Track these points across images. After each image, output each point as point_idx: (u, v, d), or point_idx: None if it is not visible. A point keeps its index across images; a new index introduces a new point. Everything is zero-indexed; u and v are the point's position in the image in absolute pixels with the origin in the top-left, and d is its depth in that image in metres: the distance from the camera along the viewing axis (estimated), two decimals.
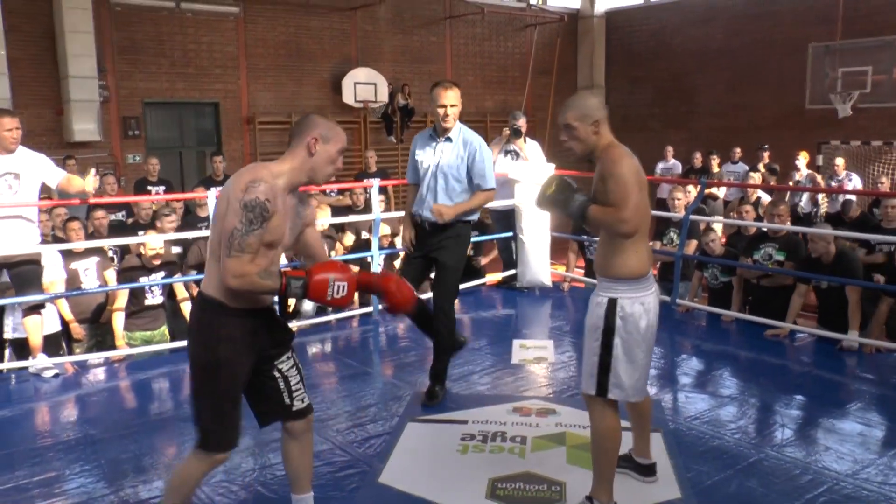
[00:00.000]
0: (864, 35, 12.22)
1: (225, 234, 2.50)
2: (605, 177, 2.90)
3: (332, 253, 6.90)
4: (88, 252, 6.05)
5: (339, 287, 2.60)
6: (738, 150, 12.05)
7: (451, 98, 4.37)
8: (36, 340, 5.18)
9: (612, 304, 2.95)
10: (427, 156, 4.51)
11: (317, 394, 4.77)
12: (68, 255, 5.94)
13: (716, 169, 11.87)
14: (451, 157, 4.43)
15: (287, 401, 2.86)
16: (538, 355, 5.36)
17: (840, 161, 10.33)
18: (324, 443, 3.91)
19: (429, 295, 4.98)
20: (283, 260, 5.11)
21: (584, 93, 3.23)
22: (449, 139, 4.47)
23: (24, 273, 5.06)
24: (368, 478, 3.54)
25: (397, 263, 6.94)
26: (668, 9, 16.11)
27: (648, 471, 3.44)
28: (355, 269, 2.80)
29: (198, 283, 6.07)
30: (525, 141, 7.26)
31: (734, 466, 3.62)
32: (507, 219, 7.22)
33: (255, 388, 2.82)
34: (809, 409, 4.53)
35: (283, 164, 2.64)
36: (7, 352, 5.71)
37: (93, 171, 5.28)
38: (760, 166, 11.21)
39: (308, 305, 6.86)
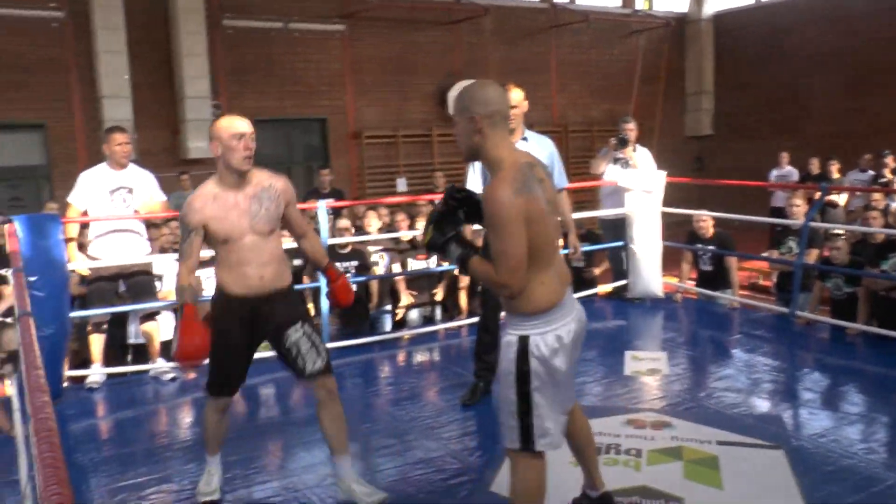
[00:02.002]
0: None
1: None
2: (485, 215, 2.42)
3: (432, 263, 6.92)
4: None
5: (173, 346, 3.13)
6: (867, 156, 11.45)
7: (510, 99, 4.29)
8: (154, 346, 5.42)
9: (524, 343, 2.50)
10: None
11: (426, 402, 4.78)
12: None
13: (836, 176, 11.31)
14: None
15: (300, 364, 3.29)
16: (651, 367, 5.21)
17: None
18: (436, 450, 3.90)
19: None
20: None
21: (482, 81, 2.57)
22: (525, 139, 4.39)
23: (139, 283, 5.35)
24: (480, 486, 3.49)
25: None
26: (780, 9, 15.56)
27: (604, 502, 3.04)
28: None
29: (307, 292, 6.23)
30: (634, 149, 7.10)
31: (868, 489, 3.38)
32: (618, 228, 7.07)
33: (280, 354, 3.36)
34: None
35: (213, 177, 3.24)
36: (129, 357, 5.98)
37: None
38: (887, 172, 10.61)
39: (414, 314, 6.92)
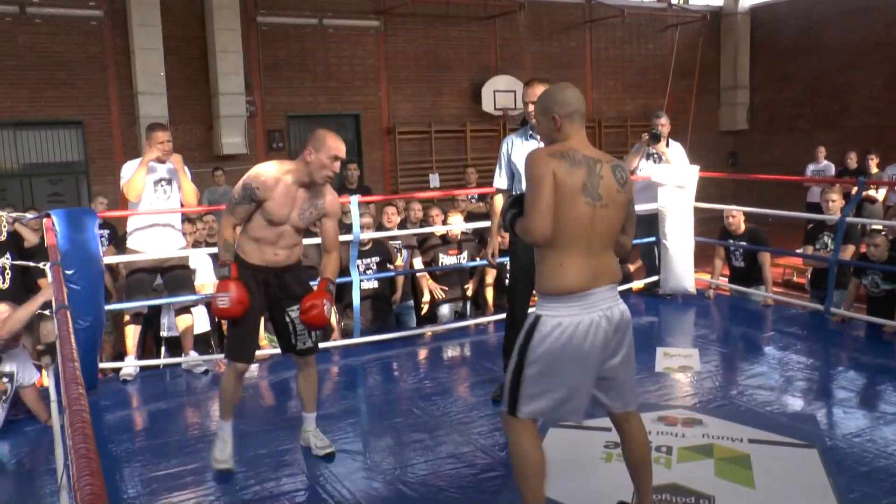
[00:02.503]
0: None
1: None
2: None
3: (463, 259, 6.92)
4: None
5: (221, 298, 3.47)
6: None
7: (531, 95, 4.32)
8: (188, 339, 5.49)
9: (536, 320, 2.68)
10: (522, 156, 4.39)
11: (456, 397, 4.79)
12: None
13: (874, 170, 11.06)
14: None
15: (293, 340, 3.76)
16: (683, 364, 5.17)
17: None
18: (466, 444, 3.91)
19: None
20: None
21: (562, 84, 2.90)
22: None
23: (177, 276, 5.42)
24: (510, 482, 3.49)
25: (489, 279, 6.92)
26: (818, 1, 15.29)
27: None
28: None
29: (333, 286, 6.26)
30: (668, 144, 7.04)
31: None
32: (650, 223, 7.00)
33: (275, 326, 3.81)
34: None
35: (292, 165, 3.56)
36: (162, 349, 6.07)
37: None
38: None
39: (445, 309, 6.92)
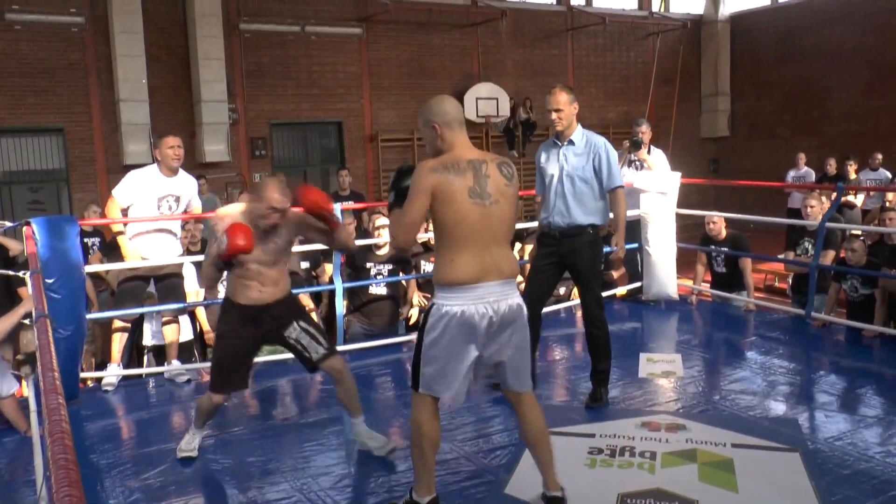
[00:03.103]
0: None
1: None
2: None
3: None
4: None
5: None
6: (879, 155, 11.33)
7: (553, 102, 4.42)
8: (173, 348, 5.45)
9: (430, 307, 3.04)
10: (552, 162, 4.55)
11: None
12: None
13: (852, 176, 11.19)
14: (575, 160, 4.46)
15: (307, 354, 3.86)
16: (666, 369, 5.19)
17: None
18: (450, 452, 3.90)
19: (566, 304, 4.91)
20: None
21: (440, 97, 3.22)
22: (572, 142, 4.50)
23: (171, 284, 5.38)
24: (494, 488, 3.50)
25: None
26: (797, 9, 15.46)
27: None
28: None
29: (329, 293, 6.26)
30: (649, 151, 7.08)
31: (886, 493, 3.34)
32: (633, 230, 7.01)
33: (291, 352, 3.94)
34: None
35: (248, 204, 3.81)
36: (146, 357, 6.02)
37: None
38: None
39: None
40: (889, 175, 10.78)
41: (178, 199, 5.27)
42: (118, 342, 5.34)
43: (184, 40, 11.70)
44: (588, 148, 4.47)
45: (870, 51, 13.92)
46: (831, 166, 11.71)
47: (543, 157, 4.61)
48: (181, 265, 5.51)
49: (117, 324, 5.37)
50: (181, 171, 5.34)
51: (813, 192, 7.03)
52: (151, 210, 5.18)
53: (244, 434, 4.35)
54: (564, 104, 4.42)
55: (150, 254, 5.23)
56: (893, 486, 3.40)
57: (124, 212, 5.21)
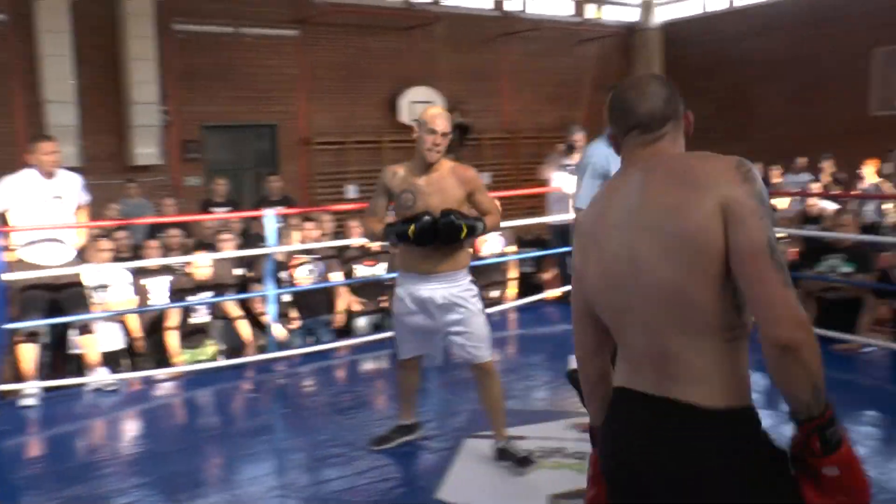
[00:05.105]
0: None
1: None
2: None
3: (380, 270, 6.90)
4: (163, 270, 6.20)
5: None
6: (800, 160, 11.70)
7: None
8: (92, 357, 5.31)
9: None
10: (614, 168, 4.10)
11: (373, 410, 4.76)
12: (141, 272, 6.14)
13: (776, 180, 11.55)
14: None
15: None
16: None
17: None
18: (381, 458, 3.87)
19: None
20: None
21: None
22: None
23: (73, 295, 5.19)
24: (426, 494, 3.48)
25: None
26: (727, 19, 15.85)
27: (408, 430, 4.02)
28: None
29: (241, 302, 6.15)
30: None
31: None
32: (565, 234, 7.12)
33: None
34: (885, 425, 4.33)
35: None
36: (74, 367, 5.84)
37: None
38: (823, 176, 10.87)
39: (362, 322, 6.86)
40: (810, 178, 11.13)
41: (60, 199, 5.06)
42: (28, 355, 5.08)
43: (114, 40, 11.39)
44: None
45: (795, 61, 14.34)
46: (759, 170, 12.06)
47: (605, 164, 3.87)
48: (78, 274, 5.28)
49: (20, 336, 5.11)
50: (61, 171, 5.14)
51: None
52: (34, 214, 4.98)
53: (173, 445, 4.25)
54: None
55: (41, 261, 5.04)
56: None
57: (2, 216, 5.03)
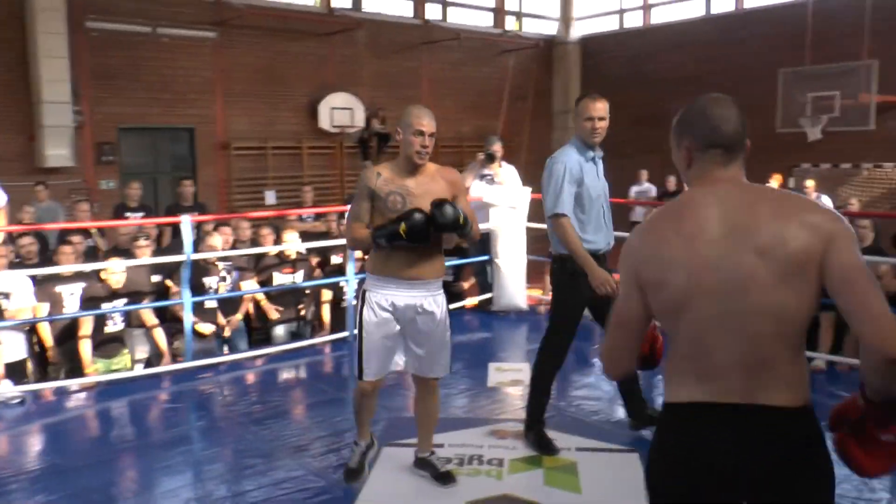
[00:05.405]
0: (832, 60, 12.44)
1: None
2: None
3: (298, 277, 6.87)
4: (77, 276, 5.99)
5: None
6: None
7: (598, 110, 4.01)
8: None
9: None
10: (592, 178, 4.02)
11: (290, 420, 4.73)
12: (53, 279, 5.91)
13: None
14: (602, 177, 4.15)
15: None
16: (514, 378, 5.34)
17: (810, 183, 10.45)
18: (299, 468, 3.86)
19: None
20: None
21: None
22: (600, 155, 4.17)
23: None
24: (344, 503, 3.49)
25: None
26: (641, 36, 16.32)
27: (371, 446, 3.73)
28: None
29: (157, 310, 6.02)
30: (500, 165, 7.28)
31: None
32: (483, 243, 7.21)
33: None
34: None
35: None
36: None
37: None
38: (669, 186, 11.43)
39: (280, 330, 6.80)
40: None
41: None
42: None
43: (23, 35, 11.01)
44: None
45: (702, 77, 14.83)
46: (670, 183, 12.58)
47: (578, 171, 3.95)
48: None
49: None
50: None
51: (650, 208, 7.44)
52: None
53: (83, 459, 4.14)
54: (607, 113, 4.09)
55: None
56: None
57: None
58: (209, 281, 6.26)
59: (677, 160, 1.97)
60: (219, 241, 6.41)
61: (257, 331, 6.80)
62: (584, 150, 4.02)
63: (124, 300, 5.85)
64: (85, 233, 7.09)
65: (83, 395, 5.26)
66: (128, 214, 8.53)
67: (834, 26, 12.83)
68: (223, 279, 6.43)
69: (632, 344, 1.92)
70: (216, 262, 6.37)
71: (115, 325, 5.85)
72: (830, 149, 12.73)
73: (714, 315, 1.74)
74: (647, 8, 16.48)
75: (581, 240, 3.88)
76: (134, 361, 6.02)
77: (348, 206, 6.65)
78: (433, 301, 3.49)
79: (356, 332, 3.53)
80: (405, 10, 15.19)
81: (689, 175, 1.94)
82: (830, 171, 13.10)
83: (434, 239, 3.39)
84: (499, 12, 16.63)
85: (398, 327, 3.47)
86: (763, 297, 1.71)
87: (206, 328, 6.12)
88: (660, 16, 16.37)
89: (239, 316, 6.54)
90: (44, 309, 5.77)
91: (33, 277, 5.81)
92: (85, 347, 5.66)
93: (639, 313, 1.88)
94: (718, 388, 1.76)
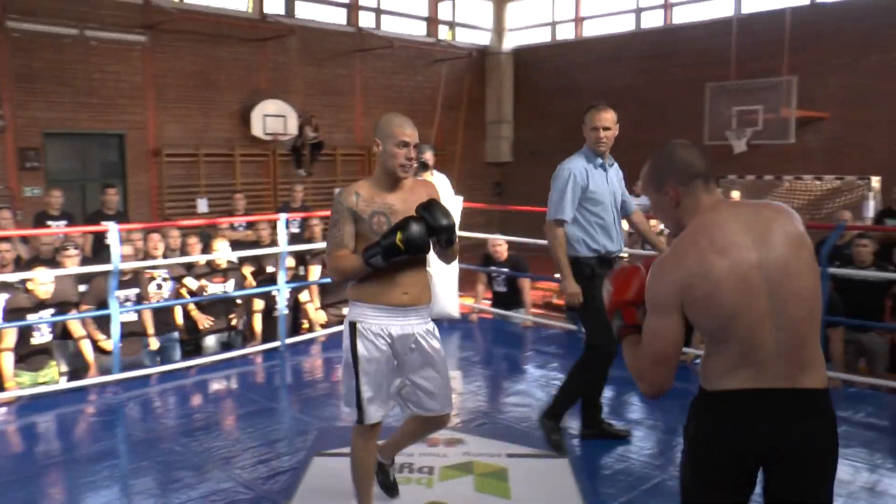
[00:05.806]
0: (756, 76, 12.86)
1: None
2: None
3: (229, 287, 6.80)
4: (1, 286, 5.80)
5: None
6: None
7: (604, 120, 4.28)
8: None
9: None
10: (601, 185, 4.21)
11: (221, 431, 4.68)
12: None
13: None
14: (617, 184, 4.34)
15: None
16: None
17: (736, 194, 10.79)
18: (227, 480, 3.83)
19: None
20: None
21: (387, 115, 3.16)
22: (612, 164, 4.37)
23: None
24: None
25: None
26: (573, 47, 16.60)
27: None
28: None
29: (95, 319, 5.88)
30: (433, 174, 7.31)
31: (639, 488, 3.73)
32: None
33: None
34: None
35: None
36: None
37: None
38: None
39: (211, 340, 6.71)
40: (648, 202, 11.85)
41: None
42: None
43: None
44: (618, 172, 4.41)
45: (636, 89, 15.17)
46: None
47: (584, 177, 4.17)
48: None
49: None
50: None
51: None
52: None
53: (5, 476, 4.02)
54: (615, 123, 4.28)
55: None
56: (644, 482, 3.80)
57: None
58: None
59: (661, 204, 2.20)
60: (129, 249, 6.32)
61: (187, 342, 6.69)
62: (592, 157, 4.27)
63: (51, 311, 5.69)
64: (8, 241, 6.86)
65: (2, 410, 5.10)
66: (49, 223, 8.27)
67: (757, 43, 13.27)
68: (159, 287, 6.33)
69: (673, 369, 2.08)
70: (151, 271, 6.28)
71: (42, 337, 5.68)
72: (755, 161, 13.13)
73: (765, 312, 1.97)
74: (578, 21, 16.78)
75: (586, 244, 4.15)
76: (61, 374, 5.86)
77: (280, 215, 6.67)
78: (430, 329, 3.21)
79: (349, 367, 3.08)
80: (339, 17, 15.18)
81: (679, 212, 2.16)
82: (755, 182, 13.50)
83: (420, 260, 3.12)
84: (432, 22, 16.73)
85: (395, 361, 3.13)
86: (800, 282, 2.00)
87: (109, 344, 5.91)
88: (591, 29, 16.70)
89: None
90: None
91: None
92: (6, 361, 5.48)
93: (677, 337, 2.05)
94: (766, 376, 1.99)
